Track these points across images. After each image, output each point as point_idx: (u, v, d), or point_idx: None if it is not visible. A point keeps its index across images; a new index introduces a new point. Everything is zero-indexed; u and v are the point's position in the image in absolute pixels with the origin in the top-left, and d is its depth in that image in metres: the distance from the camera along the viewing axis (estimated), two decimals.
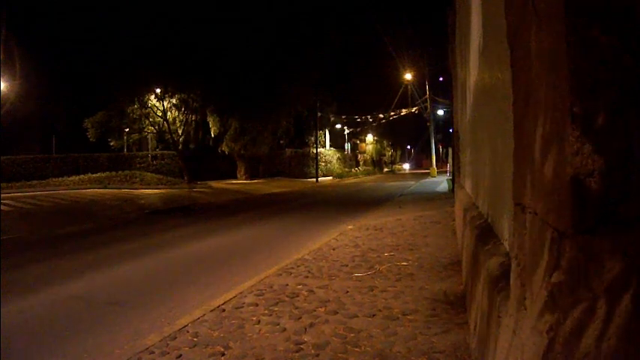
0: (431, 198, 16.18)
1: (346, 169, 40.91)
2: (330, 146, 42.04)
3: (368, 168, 49.34)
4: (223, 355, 3.16)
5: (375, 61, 40.60)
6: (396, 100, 40.40)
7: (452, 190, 14.63)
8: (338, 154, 41.18)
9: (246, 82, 27.47)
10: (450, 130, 17.03)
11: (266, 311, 4.03)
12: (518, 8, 1.29)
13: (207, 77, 25.64)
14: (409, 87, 39.82)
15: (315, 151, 34.38)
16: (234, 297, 4.49)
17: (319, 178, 32.54)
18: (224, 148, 30.21)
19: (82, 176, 24.34)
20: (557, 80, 0.94)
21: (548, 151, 1.01)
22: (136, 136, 29.47)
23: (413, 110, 40.52)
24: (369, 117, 41.63)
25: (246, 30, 27.27)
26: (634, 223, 0.82)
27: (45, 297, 5.10)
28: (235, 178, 31.52)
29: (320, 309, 4.03)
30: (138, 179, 23.97)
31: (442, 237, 7.49)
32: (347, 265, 5.72)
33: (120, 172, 25.86)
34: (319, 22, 33.75)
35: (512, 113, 1.44)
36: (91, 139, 27.64)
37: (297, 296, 4.44)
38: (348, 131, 46.98)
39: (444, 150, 46.79)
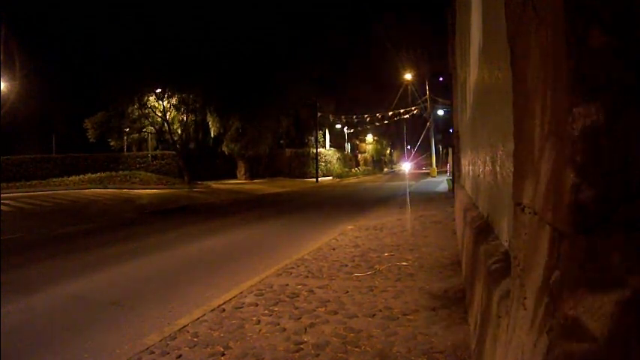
0: (431, 198, 16.18)
1: (346, 169, 40.91)
2: (330, 146, 42.04)
3: (368, 168, 49.36)
4: (223, 355, 3.16)
5: (375, 61, 40.69)
6: (396, 100, 40.47)
7: (452, 190, 14.63)
8: (338, 154, 41.18)
9: (246, 82, 27.47)
10: (450, 130, 17.03)
11: (266, 311, 4.02)
12: (518, 8, 1.29)
13: (207, 77, 25.63)
14: (409, 87, 39.86)
15: (315, 151, 34.38)
16: (234, 297, 4.49)
17: (319, 178, 32.54)
18: (224, 148, 30.20)
19: (81, 176, 24.32)
20: (557, 80, 0.94)
21: (548, 150, 1.01)
22: (135, 136, 29.49)
23: (413, 110, 40.52)
24: (368, 117, 41.65)
25: (247, 30, 27.27)
26: (634, 223, 0.82)
27: (45, 297, 5.10)
28: (235, 178, 31.52)
29: (320, 309, 4.03)
30: (137, 179, 23.96)
31: (442, 237, 7.48)
32: (347, 265, 5.72)
33: (120, 172, 25.85)
34: (320, 22, 33.77)
35: (513, 113, 1.44)
36: (90, 139, 27.66)
37: (297, 296, 4.43)
38: (348, 131, 46.98)
39: (444, 150, 46.80)
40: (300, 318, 3.81)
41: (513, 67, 1.41)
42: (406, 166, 53.94)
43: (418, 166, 56.33)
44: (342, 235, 8.15)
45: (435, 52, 32.59)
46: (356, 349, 3.13)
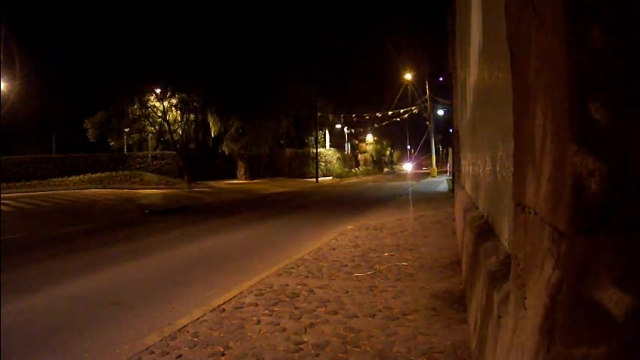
0: (431, 198, 16.18)
1: (346, 169, 40.92)
2: (330, 146, 42.05)
3: (368, 168, 49.34)
4: (223, 355, 3.16)
5: (375, 61, 40.72)
6: (396, 100, 40.48)
7: (452, 190, 14.64)
8: (338, 154, 41.18)
9: (246, 82, 27.48)
10: (450, 130, 17.03)
11: (266, 311, 4.02)
12: (518, 8, 1.29)
13: (207, 77, 25.64)
14: (409, 87, 39.86)
15: (315, 151, 34.38)
16: (234, 297, 4.49)
17: (319, 178, 32.54)
18: (224, 148, 30.22)
19: (81, 176, 24.35)
20: (557, 80, 0.94)
21: (548, 150, 1.01)
22: (136, 136, 29.52)
23: (413, 110, 40.52)
24: (368, 117, 41.66)
25: (247, 30, 27.29)
26: (634, 223, 0.82)
27: (45, 297, 5.09)
28: (235, 178, 31.52)
29: (320, 309, 4.03)
30: (138, 179, 23.99)
31: (442, 237, 7.48)
32: (347, 265, 5.72)
33: (120, 172, 25.89)
34: (320, 22, 33.81)
35: (513, 113, 1.44)
36: (90, 139, 27.70)
37: (297, 296, 4.43)
38: (348, 131, 46.98)
39: (444, 150, 46.79)
40: (300, 318, 3.81)
41: (513, 67, 1.41)
42: (407, 166, 54.10)
43: (419, 166, 56.47)
44: (342, 235, 8.15)
45: (434, 53, 32.56)
46: (356, 349, 3.13)
